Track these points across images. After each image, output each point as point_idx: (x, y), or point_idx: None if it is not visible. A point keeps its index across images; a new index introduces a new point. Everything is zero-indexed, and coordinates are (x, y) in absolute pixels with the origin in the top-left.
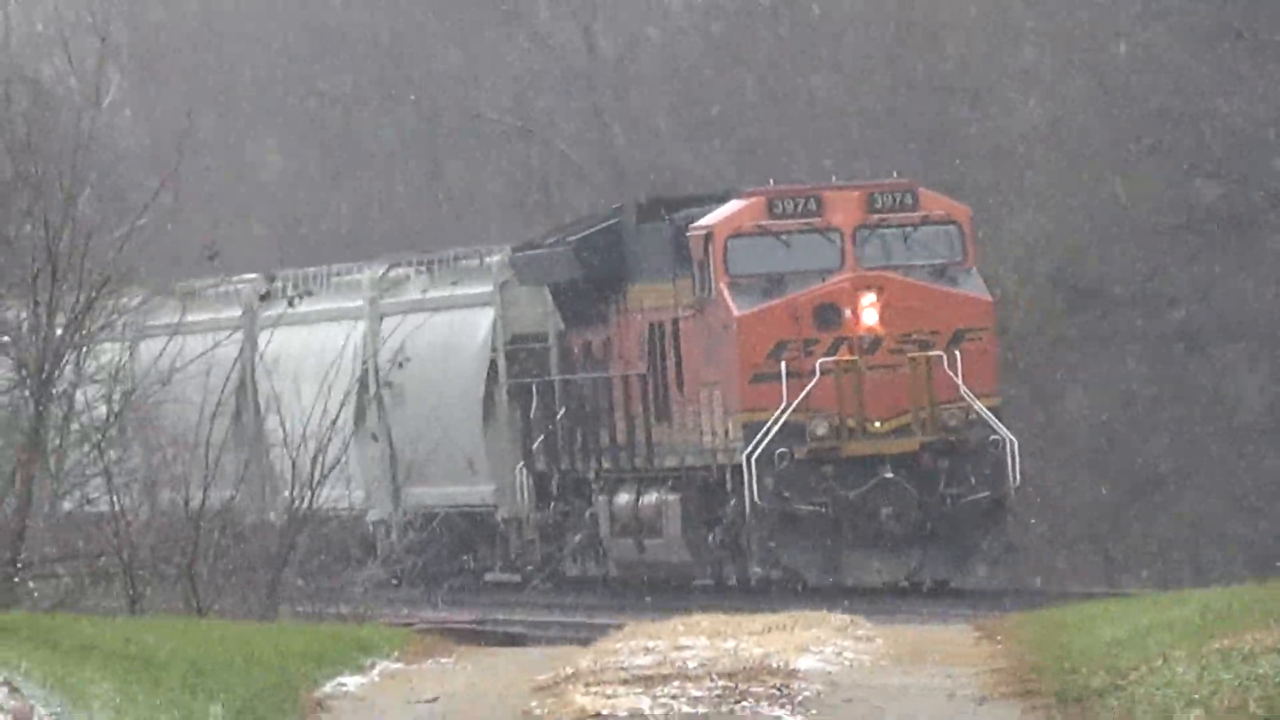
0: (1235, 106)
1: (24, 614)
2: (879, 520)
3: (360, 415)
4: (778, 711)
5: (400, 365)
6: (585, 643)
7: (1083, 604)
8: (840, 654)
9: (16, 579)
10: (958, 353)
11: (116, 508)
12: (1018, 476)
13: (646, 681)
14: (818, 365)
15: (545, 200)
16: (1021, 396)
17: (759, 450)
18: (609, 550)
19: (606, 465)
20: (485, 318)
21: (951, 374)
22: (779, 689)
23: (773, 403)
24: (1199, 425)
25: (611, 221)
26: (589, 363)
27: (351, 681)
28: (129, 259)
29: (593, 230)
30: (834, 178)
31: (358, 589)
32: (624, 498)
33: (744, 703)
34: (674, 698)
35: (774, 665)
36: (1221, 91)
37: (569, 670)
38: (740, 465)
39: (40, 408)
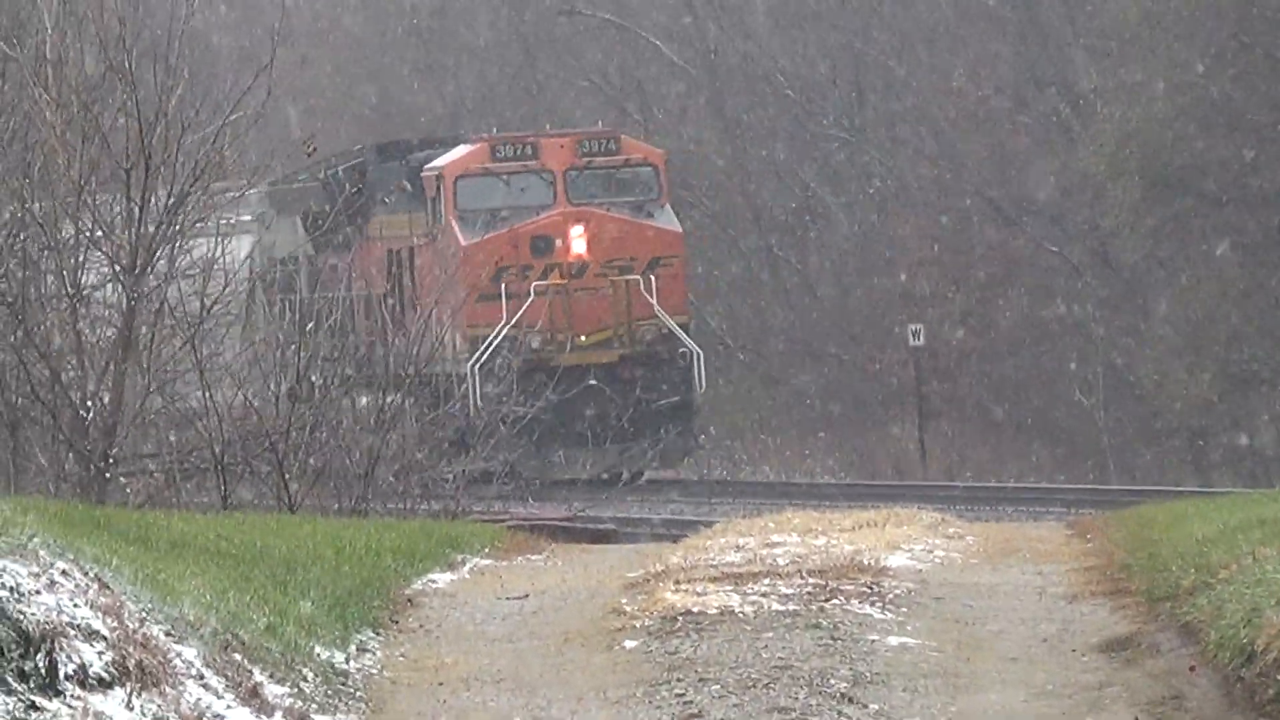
0: None
1: (115, 509)
2: (584, 421)
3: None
4: (868, 609)
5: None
6: (676, 540)
7: (1173, 502)
8: (931, 551)
9: (108, 475)
10: (653, 277)
11: (209, 403)
12: (703, 383)
13: (737, 579)
14: (532, 288)
15: (639, 93)
16: (1115, 288)
17: (481, 360)
18: (349, 445)
19: (350, 373)
20: (245, 242)
21: (647, 295)
22: (869, 586)
23: (494, 319)
24: None
25: (356, 160)
26: (336, 283)
27: (442, 578)
28: (221, 153)
29: (340, 168)
30: (547, 126)
31: (449, 485)
32: (364, 400)
33: (834, 600)
34: (764, 595)
35: (865, 563)
36: None
37: (659, 567)
38: (466, 373)
39: (132, 302)
